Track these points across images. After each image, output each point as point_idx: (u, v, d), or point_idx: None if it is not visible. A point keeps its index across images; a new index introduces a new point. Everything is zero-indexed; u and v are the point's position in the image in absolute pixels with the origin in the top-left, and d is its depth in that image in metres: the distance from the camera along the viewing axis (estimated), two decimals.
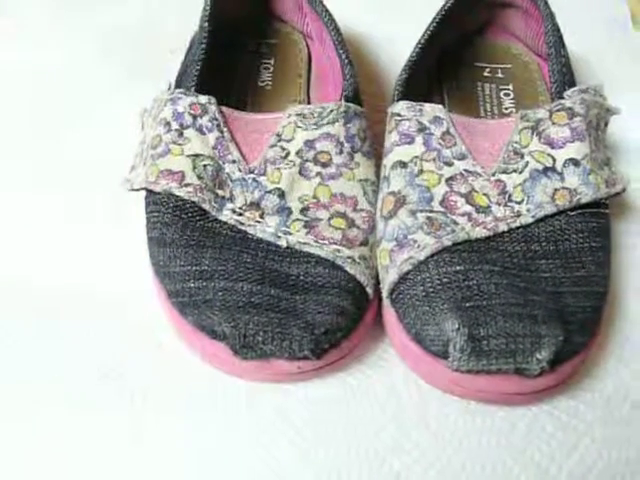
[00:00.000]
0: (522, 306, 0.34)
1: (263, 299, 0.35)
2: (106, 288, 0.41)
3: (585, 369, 0.38)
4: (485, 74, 0.49)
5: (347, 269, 0.37)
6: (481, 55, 0.50)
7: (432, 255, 0.36)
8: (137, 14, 0.59)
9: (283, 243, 0.37)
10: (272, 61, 0.49)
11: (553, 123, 0.39)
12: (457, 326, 0.33)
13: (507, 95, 0.48)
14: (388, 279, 0.36)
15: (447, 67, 0.49)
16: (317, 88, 0.47)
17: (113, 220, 0.44)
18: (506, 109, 0.47)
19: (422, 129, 0.40)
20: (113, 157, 0.44)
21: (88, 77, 0.54)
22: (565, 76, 0.43)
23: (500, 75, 0.49)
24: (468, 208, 0.37)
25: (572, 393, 0.37)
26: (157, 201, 0.38)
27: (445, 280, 0.35)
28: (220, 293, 0.35)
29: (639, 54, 0.55)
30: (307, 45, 0.50)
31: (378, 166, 0.41)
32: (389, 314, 0.37)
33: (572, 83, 0.43)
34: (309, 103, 0.46)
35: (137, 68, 0.53)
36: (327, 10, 0.45)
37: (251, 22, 0.50)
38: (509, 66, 0.49)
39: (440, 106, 0.40)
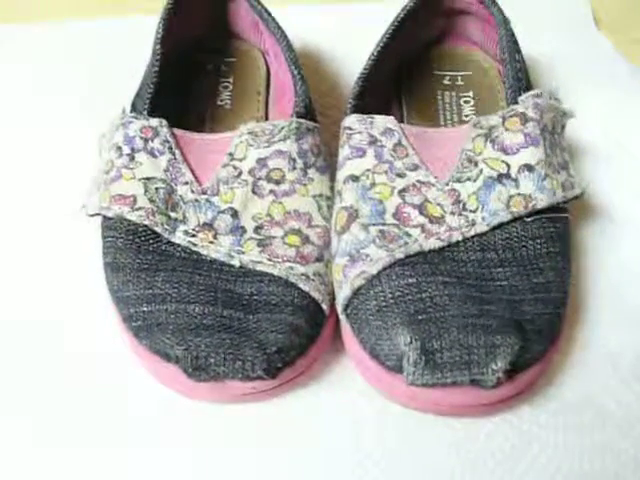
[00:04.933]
0: (477, 316, 0.34)
1: (215, 320, 0.35)
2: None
3: (548, 377, 0.37)
4: (445, 82, 0.49)
5: (301, 286, 0.36)
6: (440, 63, 0.50)
7: (384, 269, 0.36)
8: (101, 36, 0.59)
9: (236, 263, 0.37)
10: (231, 79, 0.49)
11: (506, 129, 0.39)
12: (410, 340, 0.33)
13: (467, 102, 0.48)
14: (342, 294, 0.36)
15: (406, 78, 0.48)
16: (276, 104, 0.47)
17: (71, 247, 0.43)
18: (466, 116, 0.47)
19: (373, 142, 0.39)
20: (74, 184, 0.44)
21: (49, 102, 0.54)
22: (520, 81, 0.43)
23: (460, 82, 0.49)
24: (422, 219, 0.37)
25: (535, 402, 0.36)
26: (111, 226, 0.38)
27: (397, 293, 0.35)
28: (172, 316, 0.35)
29: (602, 54, 0.55)
30: (266, 62, 0.50)
31: None
32: (345, 330, 0.37)
33: (528, 87, 0.42)
34: (267, 119, 0.46)
35: (100, 92, 0.53)
36: (280, 27, 0.45)
37: (210, 42, 0.50)
38: (469, 73, 0.49)
39: (391, 117, 0.40)
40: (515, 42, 0.44)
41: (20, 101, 0.54)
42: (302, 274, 0.37)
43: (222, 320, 0.35)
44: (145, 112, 0.41)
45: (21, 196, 0.47)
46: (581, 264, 0.42)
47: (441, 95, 0.48)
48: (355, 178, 0.39)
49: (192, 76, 0.49)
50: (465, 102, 0.48)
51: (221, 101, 0.48)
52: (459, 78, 0.49)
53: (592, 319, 0.40)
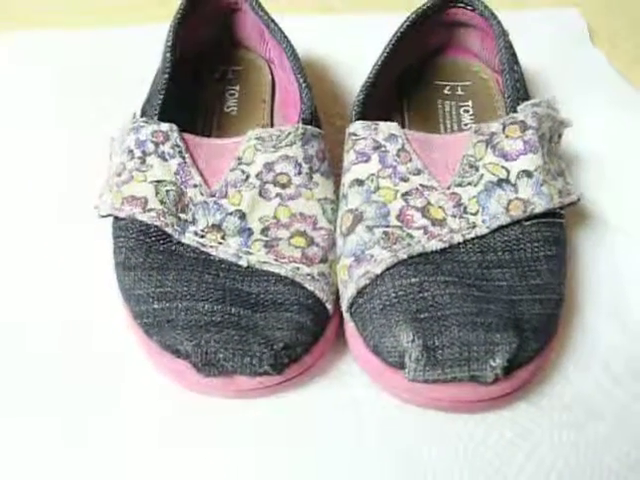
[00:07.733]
0: (476, 315, 0.35)
1: (224, 317, 0.36)
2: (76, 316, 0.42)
3: (543, 375, 0.38)
4: (445, 92, 0.50)
5: (306, 286, 0.38)
6: (441, 73, 0.51)
7: (388, 269, 0.37)
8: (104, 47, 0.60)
9: (244, 263, 0.38)
10: (237, 87, 0.50)
11: (506, 136, 0.40)
12: (412, 337, 0.34)
13: (467, 111, 0.49)
14: (347, 294, 0.37)
15: (408, 86, 0.50)
16: (280, 112, 0.48)
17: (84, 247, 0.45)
18: (465, 125, 0.48)
19: (377, 147, 0.41)
20: (84, 186, 0.45)
21: (57, 110, 0.55)
22: (519, 91, 0.44)
23: (460, 92, 0.50)
24: (424, 222, 0.39)
25: (531, 399, 0.38)
26: (122, 227, 0.40)
27: (401, 293, 0.36)
28: (182, 313, 0.36)
29: (597, 69, 0.56)
30: (271, 71, 0.51)
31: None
32: (349, 328, 0.38)
33: (526, 97, 0.44)
34: (272, 127, 0.47)
35: (107, 99, 0.54)
36: (286, 37, 0.46)
37: (217, 50, 0.52)
38: (468, 83, 0.51)
39: (395, 124, 0.42)
40: (514, 54, 0.46)
41: (33, 105, 0.56)
42: (307, 274, 0.38)
43: (230, 317, 0.36)
44: (155, 117, 0.42)
45: (32, 197, 0.48)
46: (576, 268, 0.43)
47: (441, 104, 0.50)
48: (360, 182, 0.40)
49: (199, 84, 0.50)
50: (465, 111, 0.49)
51: (227, 108, 0.49)
52: (459, 88, 0.51)
53: (586, 322, 0.41)
